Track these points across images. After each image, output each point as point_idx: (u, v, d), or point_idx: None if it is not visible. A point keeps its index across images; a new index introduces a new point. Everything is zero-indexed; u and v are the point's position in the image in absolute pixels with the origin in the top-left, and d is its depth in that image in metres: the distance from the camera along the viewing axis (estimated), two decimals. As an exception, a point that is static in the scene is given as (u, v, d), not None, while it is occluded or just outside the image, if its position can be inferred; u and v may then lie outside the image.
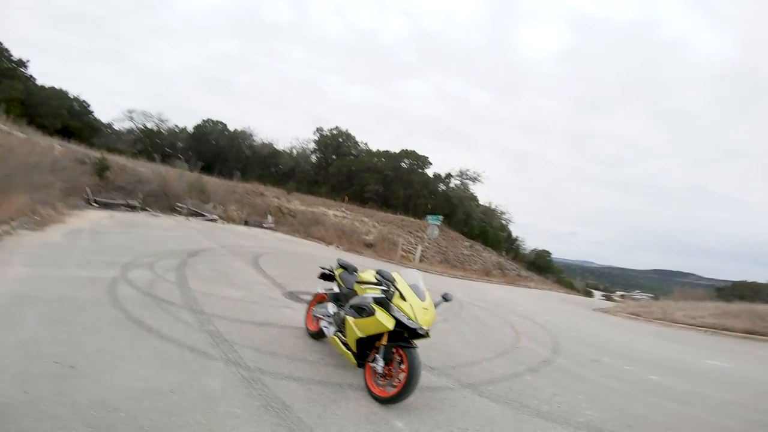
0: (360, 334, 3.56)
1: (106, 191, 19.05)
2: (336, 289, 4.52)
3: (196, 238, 12.50)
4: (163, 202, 20.25)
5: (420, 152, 40.46)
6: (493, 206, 44.82)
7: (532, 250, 49.56)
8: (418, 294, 3.47)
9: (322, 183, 39.98)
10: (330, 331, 4.13)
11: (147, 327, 4.17)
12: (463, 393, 4.00)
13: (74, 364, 3.03)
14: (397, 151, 40.29)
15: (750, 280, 35.11)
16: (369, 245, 24.91)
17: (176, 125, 42.66)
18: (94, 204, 17.01)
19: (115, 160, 22.55)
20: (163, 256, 8.37)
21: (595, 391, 4.75)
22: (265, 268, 9.22)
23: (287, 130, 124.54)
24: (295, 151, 44.81)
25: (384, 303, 3.47)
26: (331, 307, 4.31)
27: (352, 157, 42.18)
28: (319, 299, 4.84)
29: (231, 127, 43.54)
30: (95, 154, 21.68)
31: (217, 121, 43.05)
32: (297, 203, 32.90)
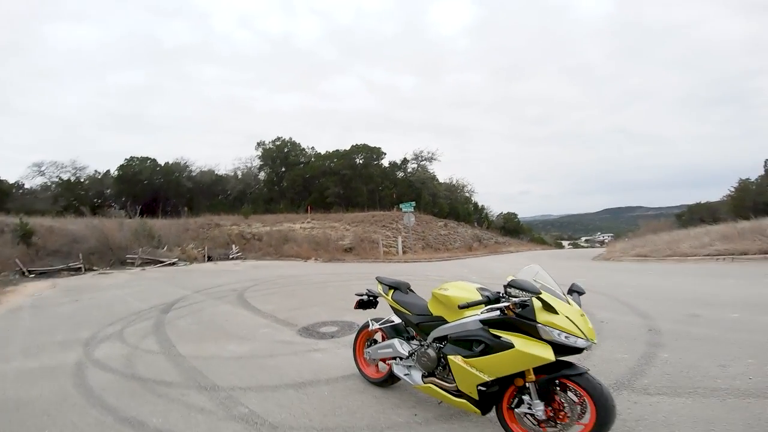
0: (486, 378, 2.35)
1: (39, 259, 16.26)
2: (395, 319, 3.28)
3: (162, 288, 10.60)
4: (109, 257, 17.66)
5: (372, 144, 39.38)
6: (454, 181, 44.81)
7: (499, 215, 50.34)
8: (560, 298, 2.32)
9: (279, 198, 37.79)
10: (415, 377, 2.89)
11: (155, 430, 2.76)
12: (629, 398, 2.97)
13: None
14: (348, 148, 38.90)
15: (692, 202, 37.60)
16: (348, 250, 23.51)
17: (96, 171, 38.24)
18: (30, 275, 14.36)
19: (39, 222, 19.44)
20: (130, 320, 6.64)
21: (750, 350, 3.89)
22: (257, 305, 7.71)
23: (224, 154, 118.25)
24: (240, 173, 42.01)
25: (514, 325, 2.29)
26: (400, 346, 3.08)
27: (302, 165, 40.21)
28: (367, 336, 3.59)
29: (162, 162, 39.86)
30: (13, 220, 18.51)
31: (145, 158, 39.04)
32: (258, 225, 30.73)
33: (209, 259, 21.73)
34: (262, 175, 42.25)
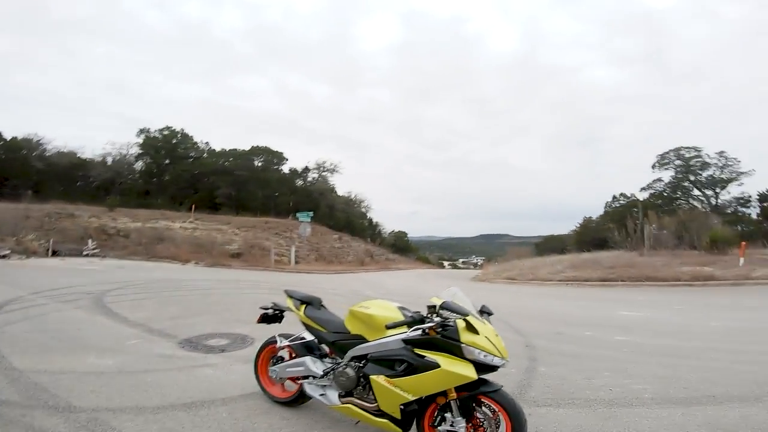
0: (410, 397, 2.28)
1: None
2: (307, 336, 3.02)
3: (-20, 288, 8.23)
4: None
5: (274, 148, 37.68)
6: (352, 196, 45.41)
7: (390, 233, 52.52)
8: (478, 319, 2.39)
9: (157, 193, 33.29)
10: (332, 397, 2.65)
11: None
12: (525, 411, 3.14)
13: None
14: (248, 149, 36.50)
15: (547, 234, 44.98)
16: (236, 255, 21.71)
17: None
18: None
19: None
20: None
21: (607, 365, 4.46)
22: (122, 312, 6.46)
23: (95, 137, 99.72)
24: (110, 159, 35.89)
25: (436, 344, 2.30)
26: (313, 364, 2.83)
27: (191, 159, 36.28)
28: (272, 352, 3.24)
29: (8, 136, 32.06)
30: None
31: (-20, 127, 30.94)
32: (126, 220, 26.54)
33: (54, 254, 17.87)
34: (139, 165, 36.80)
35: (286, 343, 3.08)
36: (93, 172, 34.21)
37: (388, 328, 2.41)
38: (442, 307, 2.32)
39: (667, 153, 33.89)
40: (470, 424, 2.28)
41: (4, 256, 14.49)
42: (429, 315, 2.38)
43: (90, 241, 20.54)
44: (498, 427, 2.28)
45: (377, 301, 2.78)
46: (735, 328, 6.56)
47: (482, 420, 2.30)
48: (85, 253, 19.03)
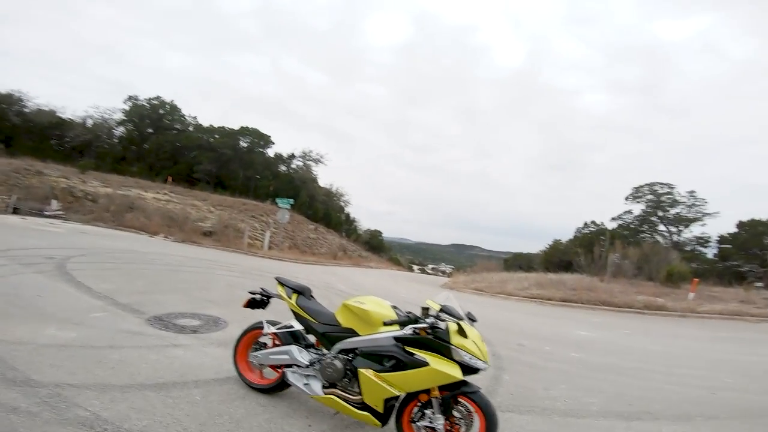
0: (396, 392, 2.44)
1: None
2: (296, 325, 3.09)
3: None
4: None
5: (262, 130, 37.00)
6: (333, 188, 45.19)
7: (365, 230, 52.60)
8: (469, 323, 2.57)
9: (135, 161, 32.18)
10: (315, 388, 2.74)
11: None
12: None
13: None
14: (236, 128, 35.73)
15: (516, 251, 46.28)
16: (208, 234, 21.28)
17: None
18: None
19: None
20: None
21: (563, 378, 4.76)
22: (87, 282, 6.28)
23: (79, 98, 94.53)
24: (91, 121, 34.43)
25: (425, 344, 2.45)
26: (299, 353, 2.90)
27: (175, 131, 35.21)
28: (253, 337, 3.28)
29: None
30: None
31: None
32: (97, 184, 25.52)
33: (15, 211, 17.06)
34: (121, 131, 35.49)
35: (273, 330, 3.13)
36: (70, 133, 32.74)
37: (386, 324, 2.57)
38: (442, 309, 2.49)
39: (642, 187, 35.46)
40: (447, 422, 2.45)
41: (-41, 207, 13.72)
42: (422, 316, 2.55)
43: (54, 201, 19.66)
44: (470, 427, 2.47)
45: (372, 297, 2.91)
46: (673, 353, 7.08)
47: (458, 418, 2.48)
48: (47, 213, 18.21)
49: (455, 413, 2.49)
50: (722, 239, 30.18)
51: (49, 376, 2.87)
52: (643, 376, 5.19)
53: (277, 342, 3.10)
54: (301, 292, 3.15)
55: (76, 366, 3.10)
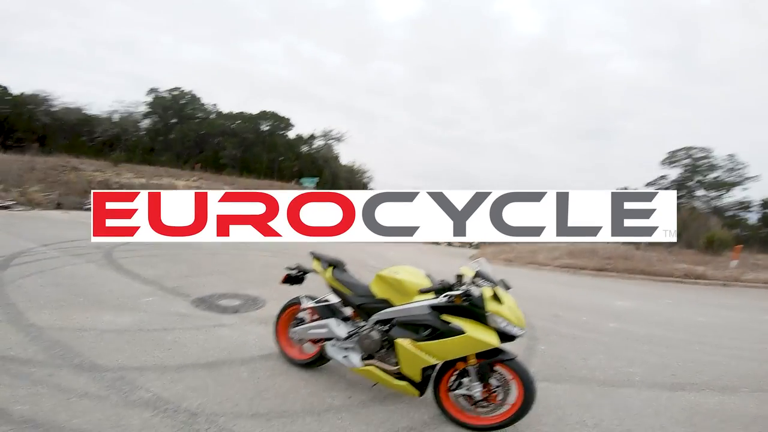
0: (433, 361, 2.47)
1: None
2: (332, 298, 3.16)
3: (-8, 235, 8.42)
4: None
5: (282, 114, 37.14)
6: (355, 165, 45.24)
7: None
8: (503, 289, 2.56)
9: (163, 151, 33.16)
10: (354, 360, 2.83)
11: (25, 420, 2.17)
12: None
13: None
14: (256, 113, 36.02)
15: None
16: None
17: None
18: None
19: None
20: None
21: (601, 348, 4.73)
22: (133, 269, 6.66)
23: (101, 95, 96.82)
24: (118, 116, 35.65)
25: (461, 311, 2.44)
26: (337, 326, 2.97)
27: (198, 120, 35.90)
28: (292, 313, 3.39)
29: (16, 92, 31.83)
30: None
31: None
32: (130, 176, 26.54)
33: (59, 206, 18.03)
34: (146, 123, 36.60)
35: (311, 304, 3.19)
36: (99, 128, 34.07)
37: (422, 292, 2.55)
38: (477, 275, 2.47)
39: (678, 151, 33.68)
40: (485, 389, 2.48)
41: (7, 207, 14.62)
42: (456, 284, 2.51)
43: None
44: (508, 394, 2.48)
45: (406, 267, 2.89)
46: (719, 324, 6.81)
47: (496, 386, 2.50)
48: (87, 206, 19.19)
49: (492, 381, 2.50)
50: (766, 203, 28.44)
51: (112, 360, 3.10)
52: (688, 347, 5.05)
53: (315, 316, 3.16)
54: (335, 265, 3.20)
55: (135, 349, 3.34)
